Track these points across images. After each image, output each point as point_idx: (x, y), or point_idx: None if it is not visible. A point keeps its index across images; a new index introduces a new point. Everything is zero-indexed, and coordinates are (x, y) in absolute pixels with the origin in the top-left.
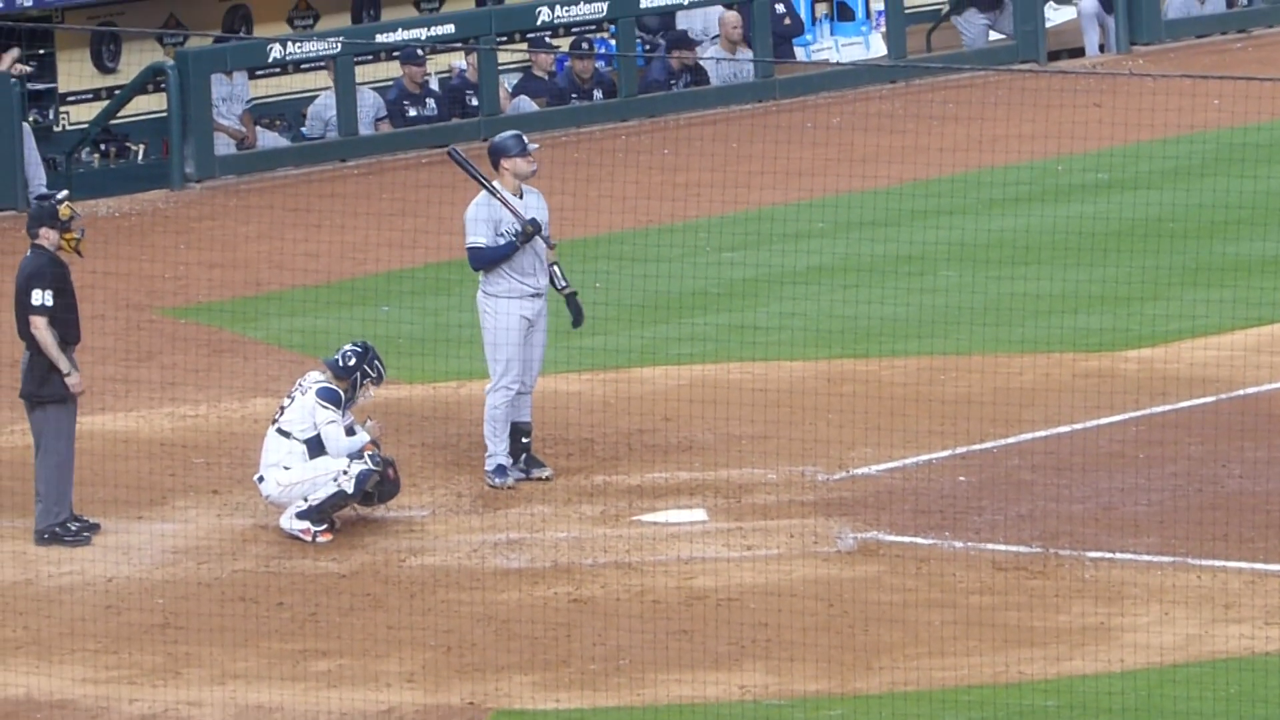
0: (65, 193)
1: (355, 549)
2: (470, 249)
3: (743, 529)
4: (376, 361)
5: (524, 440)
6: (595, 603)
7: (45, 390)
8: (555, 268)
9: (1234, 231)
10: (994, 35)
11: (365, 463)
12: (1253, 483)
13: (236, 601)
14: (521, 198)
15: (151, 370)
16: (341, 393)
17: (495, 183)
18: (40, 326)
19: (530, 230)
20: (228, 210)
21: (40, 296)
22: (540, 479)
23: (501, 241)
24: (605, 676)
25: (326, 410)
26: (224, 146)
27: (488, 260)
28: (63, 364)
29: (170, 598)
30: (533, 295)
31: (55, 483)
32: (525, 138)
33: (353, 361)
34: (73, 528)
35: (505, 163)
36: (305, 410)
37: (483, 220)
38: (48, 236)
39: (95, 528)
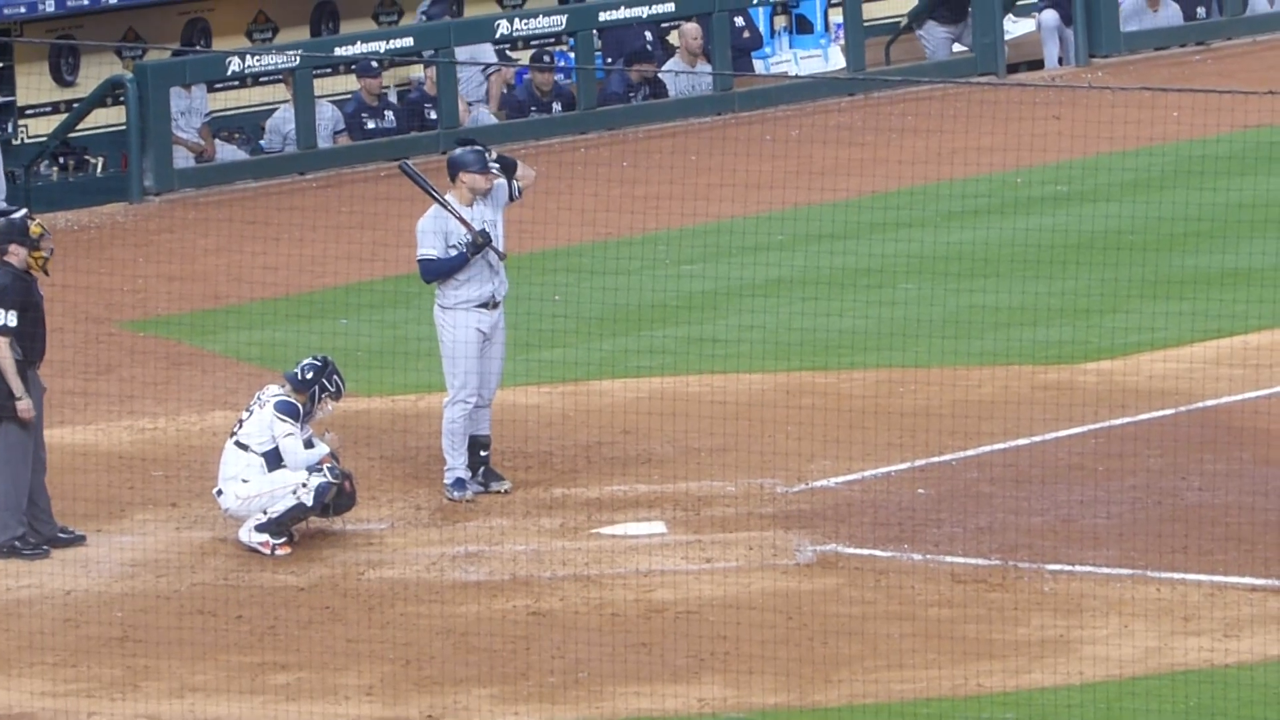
0: (24, 210)
1: (314, 562)
2: (421, 261)
3: (702, 541)
4: (335, 376)
5: (482, 453)
6: (554, 615)
7: (4, 407)
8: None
9: (1193, 244)
10: (957, 47)
11: (324, 475)
12: (1212, 495)
13: (195, 615)
14: (472, 207)
15: (110, 383)
16: (300, 406)
17: (448, 195)
18: (2, 346)
19: (480, 241)
20: (186, 223)
21: (3, 316)
22: (499, 492)
23: (453, 254)
24: (564, 689)
25: (284, 423)
26: (183, 160)
27: (438, 272)
28: (16, 387)
29: (129, 611)
30: (486, 306)
31: (13, 498)
32: (488, 156)
33: (310, 375)
34: (32, 540)
35: (464, 176)
36: (263, 423)
37: (433, 232)
38: (16, 254)
39: (81, 539)
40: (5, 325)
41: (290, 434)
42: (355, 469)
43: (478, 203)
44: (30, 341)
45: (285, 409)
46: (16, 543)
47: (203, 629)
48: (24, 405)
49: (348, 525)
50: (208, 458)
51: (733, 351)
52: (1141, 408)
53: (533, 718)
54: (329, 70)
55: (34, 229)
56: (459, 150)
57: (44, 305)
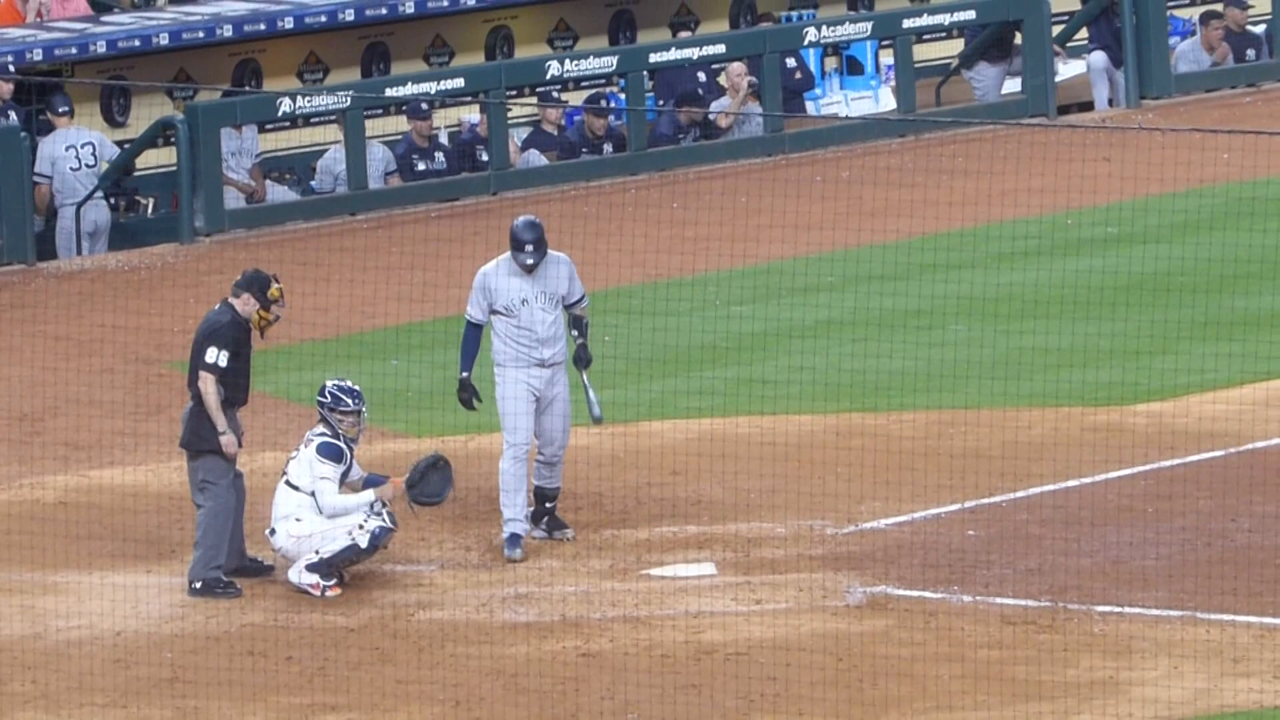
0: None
1: (364, 603)
2: (467, 321)
3: (751, 583)
4: (326, 388)
5: (548, 504)
6: (604, 657)
7: (205, 441)
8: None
9: (1243, 286)
10: (1008, 87)
11: (383, 519)
12: (1262, 537)
13: (245, 655)
14: (528, 278)
15: (160, 424)
16: (342, 445)
17: (500, 258)
18: (208, 383)
19: (466, 396)
20: (237, 264)
21: (214, 355)
22: (562, 540)
23: (497, 318)
24: None
25: (324, 465)
26: (233, 200)
27: (462, 345)
28: (220, 422)
29: (179, 652)
30: (538, 365)
31: (214, 531)
32: (528, 240)
33: (321, 406)
34: (224, 579)
35: (514, 253)
36: (307, 463)
37: (480, 289)
38: (246, 302)
39: (269, 569)
40: (215, 364)
41: (325, 477)
42: (402, 510)
43: (546, 266)
44: (235, 384)
45: (327, 451)
46: (212, 580)
47: (253, 670)
48: (228, 440)
49: (397, 566)
50: (257, 499)
51: (782, 393)
52: (1191, 449)
53: None
54: (380, 111)
55: (273, 291)
56: (517, 221)
57: (250, 354)
